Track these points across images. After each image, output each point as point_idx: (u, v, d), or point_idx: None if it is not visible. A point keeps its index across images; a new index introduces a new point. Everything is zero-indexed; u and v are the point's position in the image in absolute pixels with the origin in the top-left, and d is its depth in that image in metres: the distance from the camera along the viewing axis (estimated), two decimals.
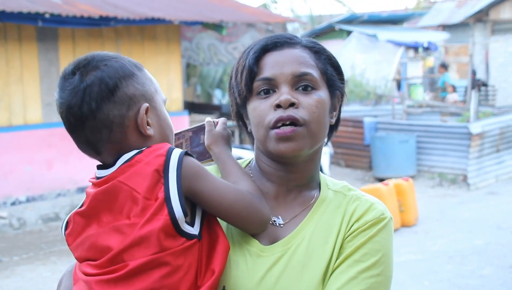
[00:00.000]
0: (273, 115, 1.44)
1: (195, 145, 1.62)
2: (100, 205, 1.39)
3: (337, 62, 1.55)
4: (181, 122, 11.34)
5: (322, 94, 1.48)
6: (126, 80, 1.42)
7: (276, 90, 1.46)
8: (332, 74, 1.52)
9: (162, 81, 11.35)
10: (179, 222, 1.34)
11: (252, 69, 1.47)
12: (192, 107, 13.54)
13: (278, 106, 1.44)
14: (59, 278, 1.58)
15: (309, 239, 1.46)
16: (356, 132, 13.21)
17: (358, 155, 13.20)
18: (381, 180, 10.92)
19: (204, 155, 1.59)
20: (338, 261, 1.43)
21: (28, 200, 9.68)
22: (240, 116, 1.57)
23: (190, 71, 16.78)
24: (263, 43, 1.50)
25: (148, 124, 1.44)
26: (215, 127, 1.57)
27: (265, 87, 1.47)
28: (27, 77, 9.74)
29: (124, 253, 1.34)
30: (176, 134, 1.62)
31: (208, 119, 1.59)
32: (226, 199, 1.40)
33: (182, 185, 1.35)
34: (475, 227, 8.81)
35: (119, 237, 1.35)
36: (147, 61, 11.08)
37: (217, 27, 11.61)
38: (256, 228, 1.45)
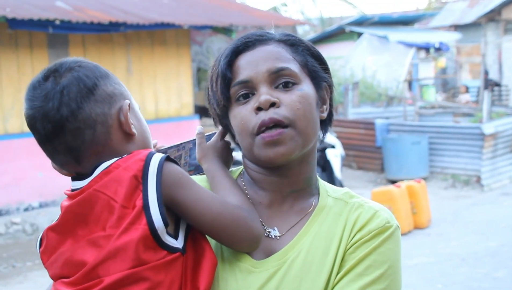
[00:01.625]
0: (256, 120, 1.33)
1: (194, 157, 1.53)
2: (75, 218, 1.28)
3: (317, 52, 1.43)
4: (192, 127, 11.34)
5: (305, 87, 1.36)
6: (104, 79, 1.34)
7: (255, 92, 1.35)
8: (314, 65, 1.40)
9: (173, 86, 11.38)
10: (159, 232, 1.23)
11: (225, 74, 1.36)
12: (203, 111, 13.54)
13: (258, 108, 1.32)
14: None
15: (306, 251, 1.33)
16: (368, 134, 13.16)
17: (370, 157, 13.14)
18: (393, 182, 10.86)
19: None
20: (339, 275, 1.31)
21: (40, 205, 9.73)
22: (227, 127, 1.44)
23: (201, 75, 16.80)
24: (233, 45, 1.39)
25: (131, 122, 1.36)
26: (208, 139, 1.47)
27: (243, 91, 1.36)
28: None
29: (99, 268, 1.23)
30: (176, 145, 1.56)
31: (199, 128, 1.49)
32: (211, 211, 1.28)
33: (162, 193, 1.25)
34: (489, 229, 8.73)
35: (94, 251, 1.25)
36: (157, 66, 11.11)
37: (226, 31, 11.62)
38: (245, 246, 1.32)
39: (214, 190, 1.38)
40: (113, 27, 9.81)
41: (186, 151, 1.55)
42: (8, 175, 9.49)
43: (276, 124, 1.32)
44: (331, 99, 1.45)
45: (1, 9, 8.75)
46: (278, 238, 1.38)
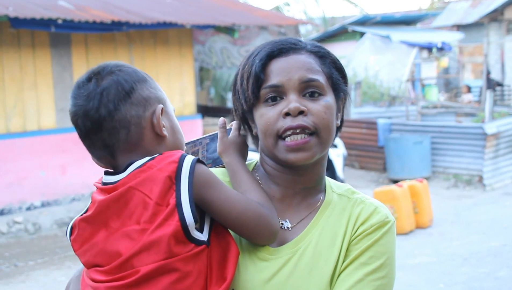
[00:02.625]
0: (282, 124, 1.44)
1: (211, 151, 1.64)
2: (108, 211, 1.39)
3: (341, 65, 1.55)
4: (195, 126, 11.36)
5: (329, 99, 1.48)
6: (141, 84, 1.46)
7: (284, 97, 1.46)
8: (338, 78, 1.52)
9: (175, 85, 11.39)
10: (189, 228, 1.35)
11: (259, 76, 1.47)
12: (205, 111, 13.56)
13: (287, 114, 1.44)
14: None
15: (316, 241, 1.47)
16: (370, 134, 13.16)
17: (372, 157, 13.15)
18: (395, 181, 10.86)
19: (220, 162, 1.61)
20: (344, 263, 1.45)
21: (43, 205, 9.75)
22: (245, 119, 1.57)
23: (203, 75, 16.81)
24: (268, 49, 1.49)
25: (163, 125, 1.46)
26: (227, 134, 1.57)
27: (272, 94, 1.47)
28: (40, 83, 9.81)
29: (134, 259, 1.34)
30: (193, 141, 1.66)
31: (221, 119, 1.59)
32: (236, 209, 1.40)
33: (193, 192, 1.36)
34: (491, 229, 8.73)
35: (129, 243, 1.36)
36: (160, 65, 11.12)
37: (229, 30, 11.62)
38: (265, 240, 1.45)
39: (235, 184, 1.51)
40: (116, 26, 9.82)
41: (203, 146, 1.66)
42: (11, 174, 9.51)
43: (302, 129, 1.44)
44: (343, 108, 1.59)
45: (4, 8, 8.76)
46: (290, 229, 1.51)
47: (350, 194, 1.55)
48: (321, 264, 1.45)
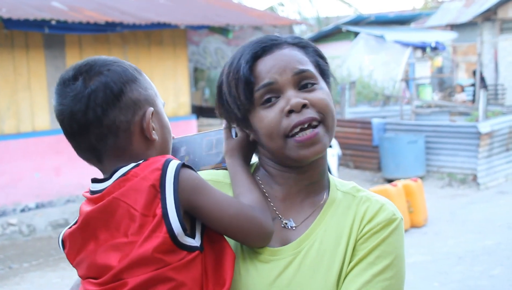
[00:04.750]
0: (288, 122, 1.39)
1: (207, 149, 1.61)
2: (96, 223, 1.34)
3: (322, 52, 1.52)
4: (189, 127, 11.35)
5: (323, 86, 1.46)
6: (130, 85, 1.39)
7: (281, 94, 1.41)
8: (324, 64, 1.50)
9: (170, 86, 11.38)
10: (179, 238, 1.30)
11: (249, 79, 1.41)
12: (200, 111, 13.55)
13: (290, 111, 1.39)
14: (68, 284, 1.57)
15: (320, 241, 1.43)
16: (365, 133, 13.18)
17: (367, 157, 13.16)
18: (390, 181, 10.88)
19: (216, 160, 1.57)
20: (351, 263, 1.40)
21: (37, 206, 9.72)
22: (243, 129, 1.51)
23: (198, 75, 16.81)
24: (252, 50, 1.44)
25: (152, 128, 1.41)
26: (232, 134, 1.52)
27: (267, 95, 1.42)
28: (34, 84, 9.79)
29: (124, 272, 1.30)
30: (189, 137, 1.63)
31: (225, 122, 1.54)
32: (227, 214, 1.35)
33: (180, 199, 1.31)
34: (486, 227, 8.75)
35: (118, 256, 1.31)
36: (154, 66, 11.11)
37: (223, 30, 11.61)
38: (258, 243, 1.41)
39: (233, 186, 1.46)
40: (110, 27, 9.80)
41: (219, 140, 1.59)
42: (5, 176, 9.48)
43: (310, 122, 1.40)
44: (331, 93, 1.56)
45: None
46: (294, 228, 1.47)
47: (355, 192, 1.50)
48: (325, 264, 1.40)
